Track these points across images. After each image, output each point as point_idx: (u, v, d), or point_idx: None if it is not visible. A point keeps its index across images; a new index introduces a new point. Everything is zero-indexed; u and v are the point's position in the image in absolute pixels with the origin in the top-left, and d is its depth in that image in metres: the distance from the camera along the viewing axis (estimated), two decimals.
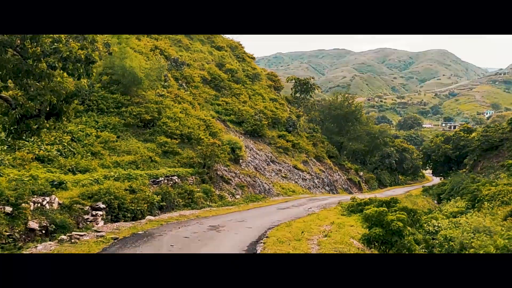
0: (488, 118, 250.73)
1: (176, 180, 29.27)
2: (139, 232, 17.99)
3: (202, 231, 18.84)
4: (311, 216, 25.97)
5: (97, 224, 19.59)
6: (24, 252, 14.27)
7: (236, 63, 66.48)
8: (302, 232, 18.85)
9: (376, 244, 18.32)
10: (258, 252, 14.93)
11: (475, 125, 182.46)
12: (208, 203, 30.58)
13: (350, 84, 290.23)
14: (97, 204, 20.46)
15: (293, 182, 50.59)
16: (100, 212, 20.19)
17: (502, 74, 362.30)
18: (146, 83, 38.43)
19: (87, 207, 20.04)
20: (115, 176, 25.52)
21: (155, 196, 24.85)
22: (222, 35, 69.37)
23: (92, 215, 19.83)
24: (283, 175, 50.05)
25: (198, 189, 30.88)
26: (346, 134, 73.57)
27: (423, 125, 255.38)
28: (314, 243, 16.72)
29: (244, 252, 15.23)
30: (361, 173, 77.93)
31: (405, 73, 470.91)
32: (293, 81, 76.64)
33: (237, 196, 35.49)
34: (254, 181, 41.01)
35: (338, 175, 64.27)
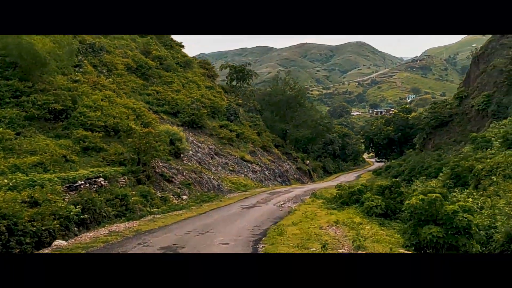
0: (410, 102, 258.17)
1: (103, 182, 21.42)
2: None
3: None
4: (295, 215, 19.26)
5: None
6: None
7: (164, 50, 58.43)
8: (324, 246, 11.91)
9: (430, 250, 11.74)
10: None
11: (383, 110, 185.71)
12: (148, 209, 23.02)
13: (276, 79, 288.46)
14: None
15: (243, 175, 43.75)
16: None
17: (418, 61, 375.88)
18: (54, 65, 29.94)
19: None
20: (11, 184, 17.41)
21: (72, 207, 16.98)
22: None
23: None
24: (231, 168, 43.06)
25: (134, 192, 23.24)
26: (290, 121, 67.50)
27: (351, 113, 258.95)
28: None
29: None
30: (308, 162, 72.57)
31: (327, 66, 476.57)
32: (228, 68, 69.47)
33: (184, 197, 28.06)
34: (200, 177, 33.71)
35: (288, 164, 58.18)
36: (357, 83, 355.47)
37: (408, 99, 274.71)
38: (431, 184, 39.44)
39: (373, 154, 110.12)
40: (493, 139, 44.37)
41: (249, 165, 46.89)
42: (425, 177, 45.18)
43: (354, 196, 21.36)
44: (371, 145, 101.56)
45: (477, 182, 27.23)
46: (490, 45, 65.42)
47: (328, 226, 15.63)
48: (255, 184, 43.02)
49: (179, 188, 28.81)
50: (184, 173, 31.65)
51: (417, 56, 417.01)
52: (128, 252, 12.59)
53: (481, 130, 58.05)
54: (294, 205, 23.81)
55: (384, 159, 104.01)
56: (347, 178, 68.57)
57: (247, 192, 35.19)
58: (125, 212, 20.46)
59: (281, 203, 25.34)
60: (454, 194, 28.25)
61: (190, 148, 38.59)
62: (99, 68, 41.65)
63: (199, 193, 29.95)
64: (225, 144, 47.28)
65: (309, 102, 77.63)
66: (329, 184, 50.24)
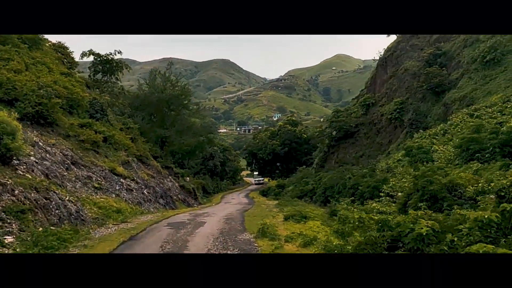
0: (277, 121, 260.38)
1: None
2: None
3: None
4: None
5: None
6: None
7: None
8: None
9: None
10: None
11: (267, 126, 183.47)
12: None
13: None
14: None
15: (114, 195, 30.31)
16: None
17: (283, 80, 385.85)
18: None
19: None
20: None
21: None
22: None
23: None
24: (97, 184, 29.36)
25: None
26: (171, 126, 54.38)
27: (219, 130, 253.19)
28: None
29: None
30: (188, 179, 60.16)
31: (192, 82, 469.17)
32: (92, 57, 54.32)
33: (9, 239, 14.32)
34: (47, 198, 19.89)
35: (170, 181, 45.35)
36: (223, 100, 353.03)
37: (275, 117, 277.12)
38: (373, 206, 30.24)
39: (254, 171, 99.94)
40: (431, 149, 36.88)
41: (122, 180, 33.46)
42: (351, 197, 35.99)
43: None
44: (254, 161, 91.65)
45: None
46: (399, 46, 59.55)
47: None
48: (133, 209, 29.87)
49: (0, 220, 14.94)
50: (16, 192, 17.70)
51: (281, 75, 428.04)
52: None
53: (393, 141, 51.35)
54: None
55: (262, 178, 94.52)
56: (237, 199, 57.80)
57: (128, 224, 21.69)
58: None
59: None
60: None
61: (32, 151, 24.41)
62: None
63: (41, 229, 16.24)
64: (87, 149, 33.30)
65: (194, 103, 64.27)
66: (227, 208, 38.56)
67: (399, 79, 54.61)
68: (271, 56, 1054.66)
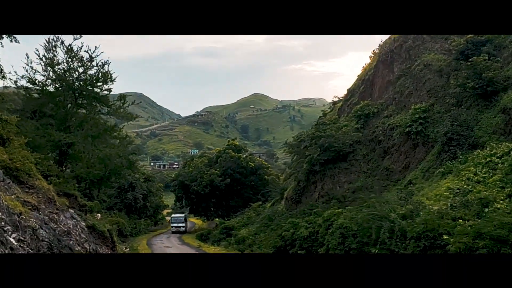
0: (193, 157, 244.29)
1: None
2: None
3: None
4: None
5: None
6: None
7: None
8: None
9: None
10: None
11: (185, 161, 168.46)
12: None
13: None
14: None
15: None
16: None
17: (200, 116, 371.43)
18: None
19: None
20: None
21: None
22: None
23: None
24: None
25: None
26: (78, 128, 33.99)
27: None
28: None
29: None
30: (99, 216, 40.05)
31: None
32: None
33: None
34: None
35: (72, 219, 25.50)
36: (135, 134, 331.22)
37: (192, 153, 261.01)
38: None
39: (183, 208, 79.55)
40: None
41: None
42: None
43: None
44: (185, 195, 71.31)
45: None
46: (410, 35, 43.57)
47: None
48: None
49: None
50: None
51: (197, 111, 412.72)
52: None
53: (413, 166, 35.46)
54: None
55: (183, 224, 73.82)
56: (176, 247, 39.36)
57: None
58: None
59: None
60: None
61: None
62: None
63: None
64: None
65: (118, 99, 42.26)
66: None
67: (416, 79, 39.28)
68: (186, 92, 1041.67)
